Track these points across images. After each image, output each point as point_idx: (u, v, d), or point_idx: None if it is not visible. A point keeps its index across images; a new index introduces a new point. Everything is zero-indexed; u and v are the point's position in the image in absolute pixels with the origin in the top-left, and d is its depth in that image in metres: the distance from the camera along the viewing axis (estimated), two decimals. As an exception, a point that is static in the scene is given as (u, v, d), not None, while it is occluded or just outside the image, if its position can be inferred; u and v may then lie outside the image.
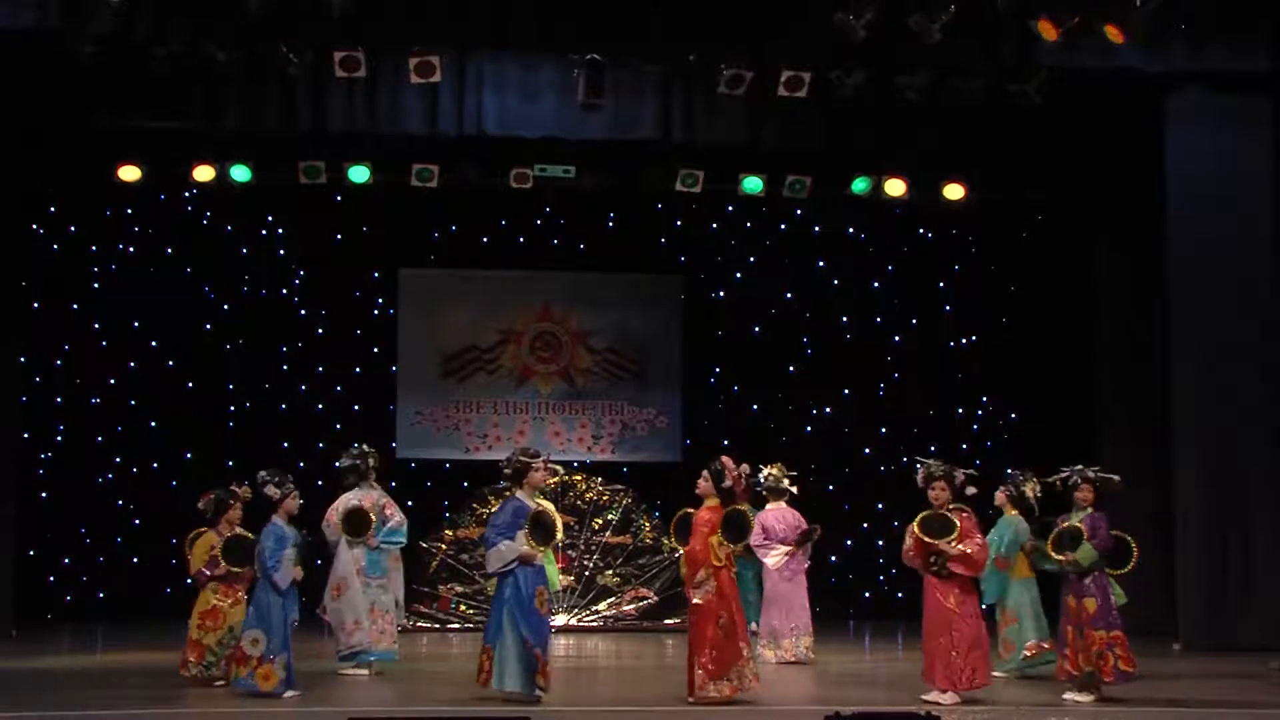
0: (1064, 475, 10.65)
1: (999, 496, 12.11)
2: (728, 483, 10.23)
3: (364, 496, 11.92)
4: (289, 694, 10.33)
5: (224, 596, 11.03)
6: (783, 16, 13.39)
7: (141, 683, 11.99)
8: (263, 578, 10.47)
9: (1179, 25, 13.62)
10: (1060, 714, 9.99)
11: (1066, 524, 10.51)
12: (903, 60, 13.68)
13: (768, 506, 13.37)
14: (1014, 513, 12.21)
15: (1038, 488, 12.12)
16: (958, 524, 10.26)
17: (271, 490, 10.66)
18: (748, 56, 13.77)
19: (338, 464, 12.21)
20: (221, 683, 10.80)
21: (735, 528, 10.19)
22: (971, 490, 10.58)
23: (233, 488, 11.34)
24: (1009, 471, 12.49)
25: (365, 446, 12.21)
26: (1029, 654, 11.91)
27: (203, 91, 13.95)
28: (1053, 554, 10.52)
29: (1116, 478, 10.68)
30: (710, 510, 10.22)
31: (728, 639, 9.99)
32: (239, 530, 11.05)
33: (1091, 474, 10.56)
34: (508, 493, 10.42)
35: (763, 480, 13.32)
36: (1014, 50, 13.49)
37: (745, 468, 10.44)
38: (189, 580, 11.73)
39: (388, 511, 11.96)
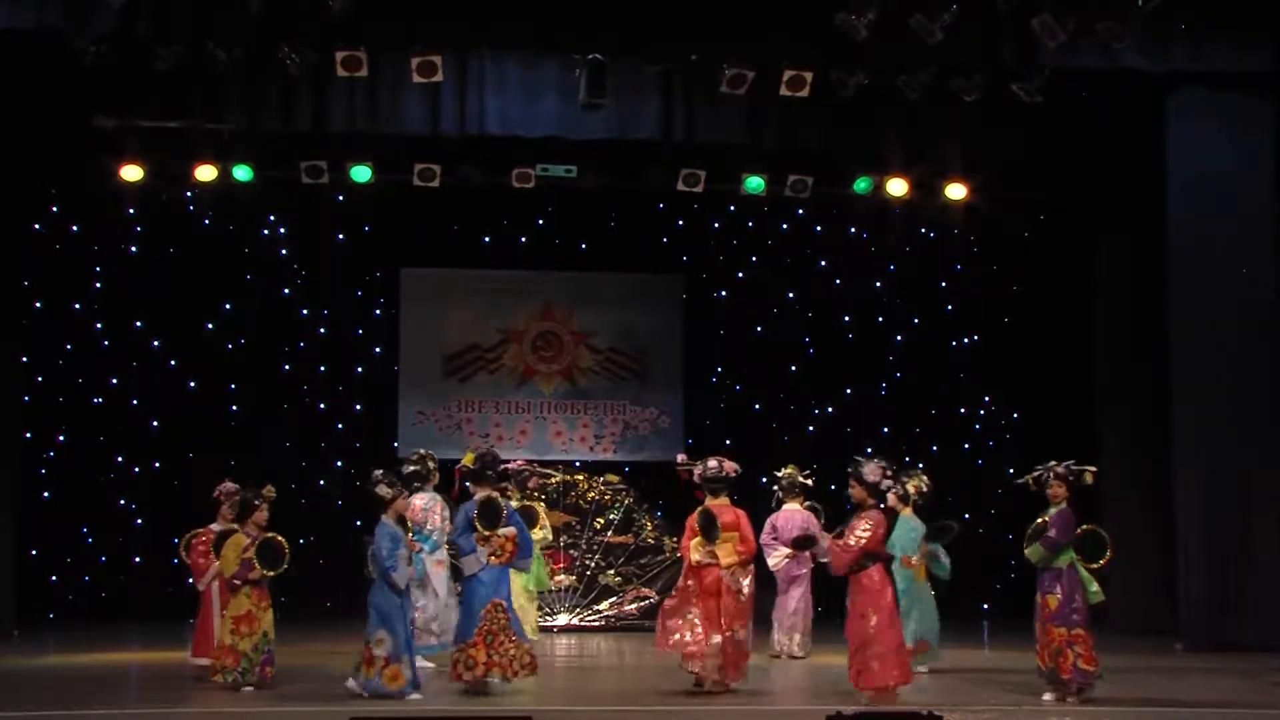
0: (1036, 474, 10.62)
1: (891, 498, 11.99)
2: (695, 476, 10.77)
3: (420, 499, 12.09)
4: (413, 695, 10.20)
5: (257, 600, 10.79)
6: (784, 16, 13.37)
7: (143, 682, 12.04)
8: (379, 579, 10.27)
9: (1180, 25, 13.59)
10: (1061, 714, 9.98)
11: (1039, 520, 10.51)
12: (904, 60, 13.67)
13: (783, 507, 13.38)
14: (908, 512, 12.35)
15: (922, 485, 12.40)
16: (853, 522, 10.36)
17: (384, 490, 10.46)
18: (749, 56, 13.76)
19: (403, 470, 12.29)
20: (250, 688, 10.61)
21: (704, 527, 10.60)
22: (887, 484, 10.55)
23: (222, 485, 11.33)
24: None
25: (424, 451, 12.43)
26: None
27: (204, 91, 13.95)
28: (1025, 550, 10.52)
29: (1091, 469, 10.59)
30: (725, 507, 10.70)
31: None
32: (271, 533, 10.85)
33: (1062, 469, 10.51)
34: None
35: (779, 481, 13.42)
36: (1015, 50, 13.47)
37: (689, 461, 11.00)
38: (189, 580, 11.75)
39: (431, 517, 12.12)
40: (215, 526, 11.53)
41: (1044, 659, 10.36)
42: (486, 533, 10.44)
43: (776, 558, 13.11)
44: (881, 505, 10.55)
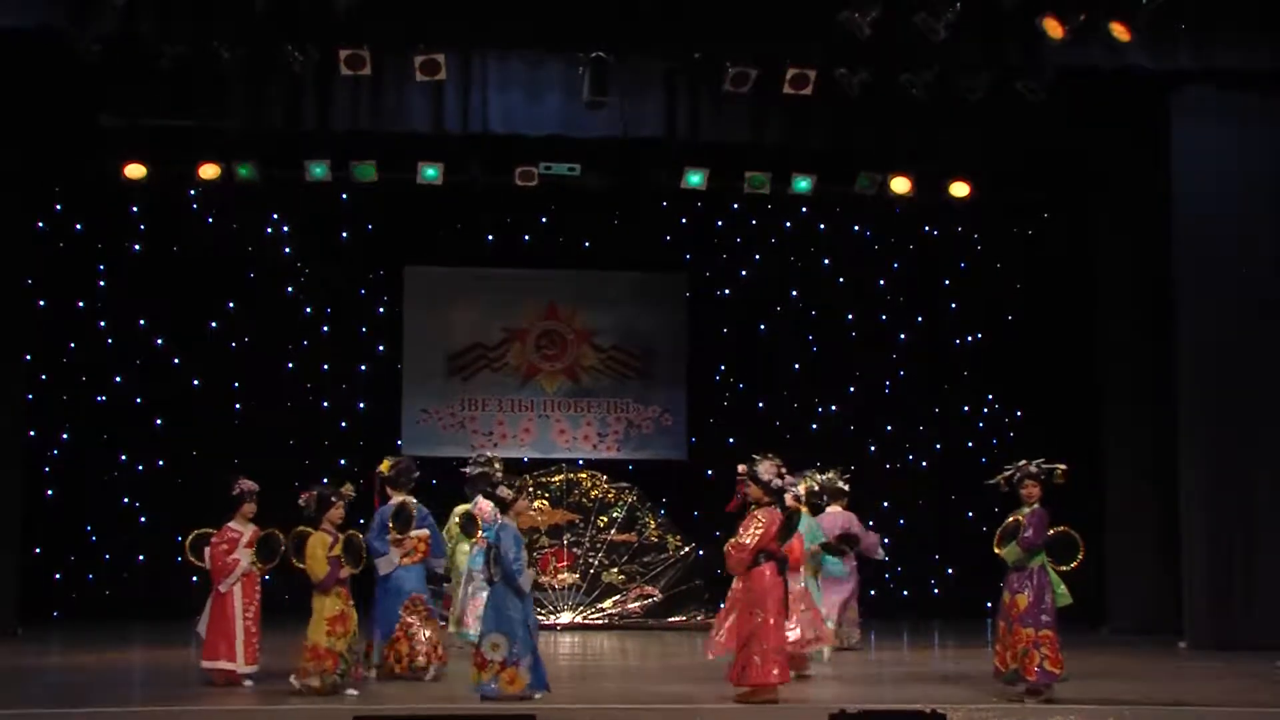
0: (1008, 474, 10.65)
1: (788, 499, 12.30)
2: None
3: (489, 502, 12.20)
4: (538, 695, 10.13)
5: (346, 599, 10.66)
6: (788, 14, 13.36)
7: (147, 680, 12.05)
8: (502, 581, 10.18)
9: (1184, 23, 13.57)
10: (1065, 713, 9.97)
11: (1012, 519, 10.54)
12: (908, 58, 13.66)
13: (826, 510, 13.96)
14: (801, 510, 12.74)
15: (813, 484, 13.11)
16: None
17: (505, 491, 10.49)
18: (753, 54, 13.74)
19: (469, 472, 12.53)
20: (354, 692, 10.50)
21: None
22: (779, 484, 10.55)
23: (241, 482, 11.25)
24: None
25: (490, 454, 12.73)
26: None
27: (208, 90, 13.93)
28: (996, 549, 10.60)
29: (1062, 467, 10.56)
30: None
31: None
32: (351, 530, 10.84)
33: (1034, 468, 10.54)
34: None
35: (821, 484, 13.92)
36: (1019, 49, 13.46)
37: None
38: (195, 579, 11.73)
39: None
40: (234, 525, 11.22)
41: (1005, 660, 10.40)
42: (400, 535, 11.34)
43: None
44: (777, 504, 10.55)
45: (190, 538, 11.48)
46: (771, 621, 10.15)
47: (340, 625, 10.54)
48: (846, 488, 14.23)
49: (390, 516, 11.41)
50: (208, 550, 11.21)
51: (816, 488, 13.32)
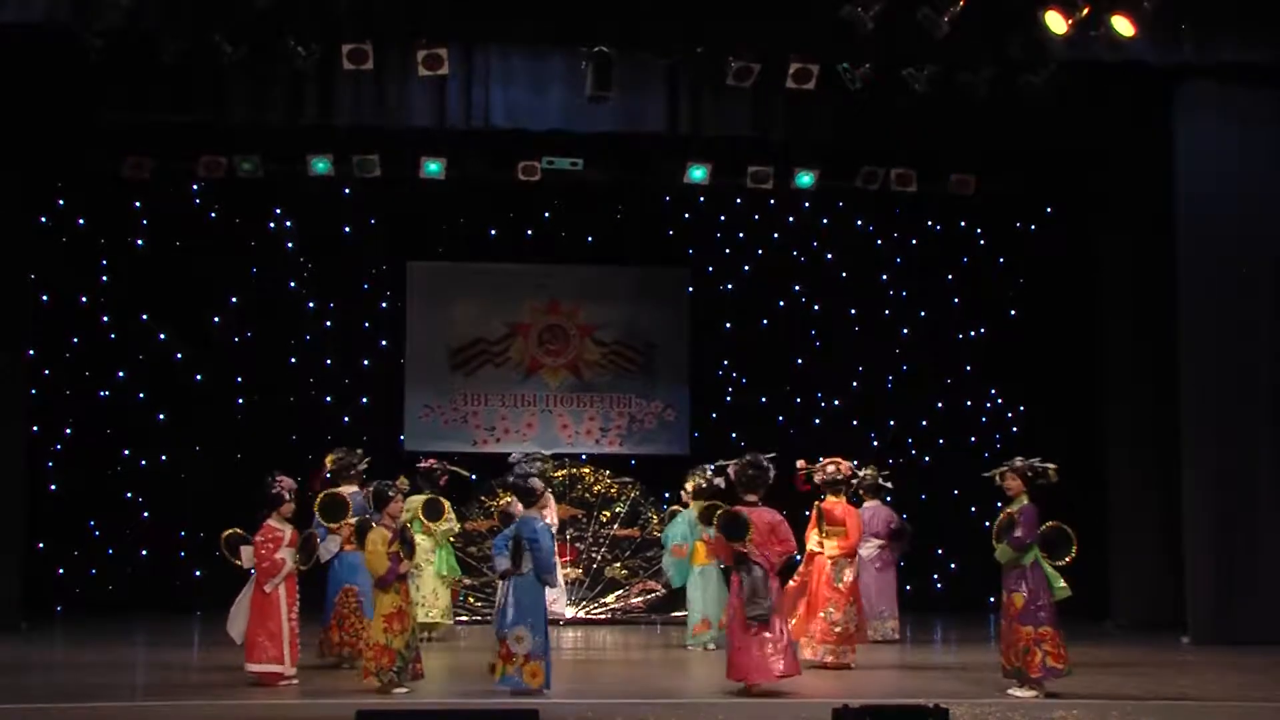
0: (1001, 470, 10.71)
1: (683, 495, 13.86)
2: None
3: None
4: (546, 690, 10.17)
5: (406, 597, 10.62)
6: (791, 9, 13.36)
7: (150, 675, 12.04)
8: (535, 576, 10.23)
9: (1188, 18, 13.54)
10: (1069, 707, 9.97)
11: (1004, 515, 10.57)
12: (911, 53, 13.66)
13: (865, 504, 14.32)
14: (694, 505, 13.72)
15: (701, 481, 13.55)
16: (750, 526, 10.52)
17: (536, 483, 10.62)
18: (755, 49, 13.75)
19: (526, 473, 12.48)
20: (403, 690, 10.38)
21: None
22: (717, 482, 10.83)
23: (281, 479, 11.13)
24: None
25: (539, 452, 12.84)
26: (694, 633, 13.57)
27: (210, 85, 13.94)
28: (994, 544, 10.64)
29: (1053, 467, 10.59)
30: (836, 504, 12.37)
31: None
32: (402, 523, 10.85)
33: (1020, 464, 10.59)
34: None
35: (861, 480, 14.28)
36: (1022, 44, 13.44)
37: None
38: (198, 574, 11.73)
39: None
40: (274, 523, 10.98)
41: (1009, 658, 10.42)
42: (332, 525, 11.94)
43: (869, 548, 14.17)
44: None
45: (225, 536, 11.18)
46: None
47: (397, 623, 10.41)
48: (887, 484, 14.64)
49: (318, 507, 12.02)
50: (244, 549, 11.00)
51: (705, 484, 13.50)
